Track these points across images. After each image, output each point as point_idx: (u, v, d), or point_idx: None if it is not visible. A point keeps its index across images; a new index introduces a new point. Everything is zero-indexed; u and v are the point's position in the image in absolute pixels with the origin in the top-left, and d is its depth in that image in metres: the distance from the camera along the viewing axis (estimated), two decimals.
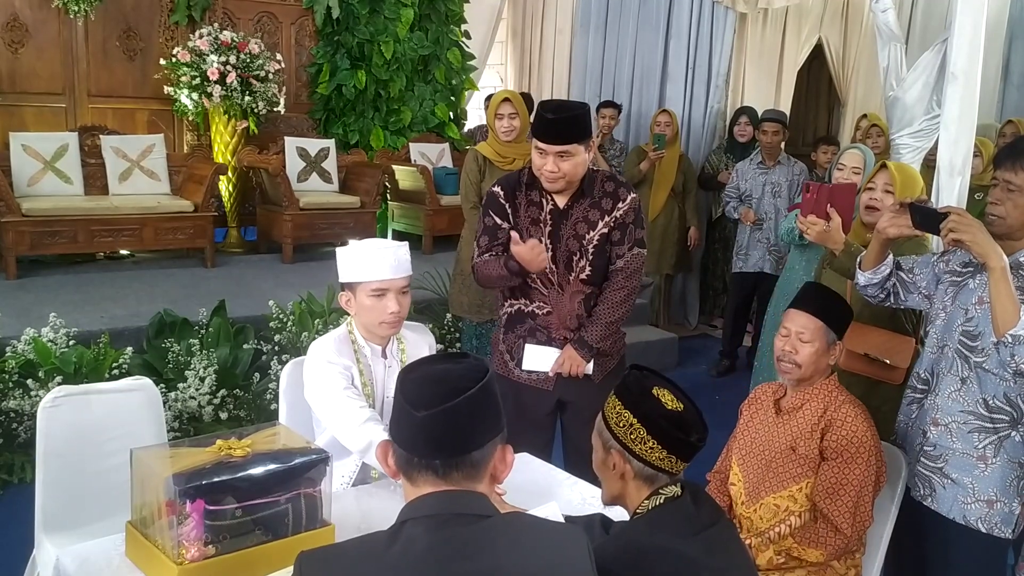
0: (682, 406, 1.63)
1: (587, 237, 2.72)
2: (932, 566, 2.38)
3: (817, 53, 7.56)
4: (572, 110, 2.64)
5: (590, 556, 1.31)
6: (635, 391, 1.64)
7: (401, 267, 2.35)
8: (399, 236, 6.83)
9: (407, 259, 2.38)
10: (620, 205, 2.73)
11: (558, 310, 2.78)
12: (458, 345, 4.87)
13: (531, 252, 2.60)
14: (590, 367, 2.78)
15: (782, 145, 5.67)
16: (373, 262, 2.32)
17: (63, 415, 2.34)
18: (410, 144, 6.91)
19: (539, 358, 2.80)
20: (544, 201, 2.74)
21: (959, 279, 2.32)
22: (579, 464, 2.63)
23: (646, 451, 1.61)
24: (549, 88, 7.34)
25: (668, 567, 1.51)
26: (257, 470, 1.74)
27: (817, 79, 8.64)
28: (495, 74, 8.23)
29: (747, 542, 2.33)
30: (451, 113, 7.28)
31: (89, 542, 1.91)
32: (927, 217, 2.26)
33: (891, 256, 2.45)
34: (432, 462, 1.27)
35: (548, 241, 2.73)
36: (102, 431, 2.37)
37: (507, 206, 2.76)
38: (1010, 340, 2.03)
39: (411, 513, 1.26)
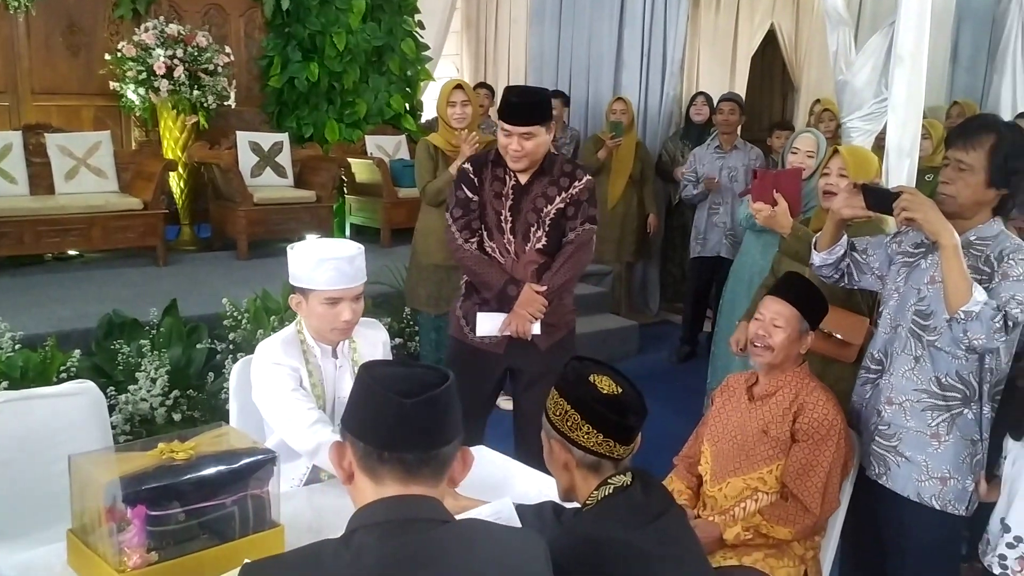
0: (620, 390, 1.63)
1: (544, 211, 2.93)
2: (888, 544, 2.40)
3: (770, 39, 7.60)
4: (535, 95, 2.92)
5: (547, 561, 1.28)
6: (571, 379, 1.65)
7: (357, 276, 2.28)
8: (357, 230, 6.75)
9: (362, 266, 2.31)
10: (576, 184, 2.94)
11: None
12: (416, 339, 4.81)
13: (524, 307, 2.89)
14: (536, 327, 2.95)
15: (738, 130, 5.68)
16: (327, 271, 2.23)
17: (2, 422, 2.26)
18: (366, 136, 6.81)
19: (490, 324, 2.99)
20: (508, 178, 2.95)
21: (911, 259, 2.33)
22: (529, 436, 2.77)
23: (582, 437, 1.61)
24: (505, 78, 7.30)
25: (620, 559, 1.49)
26: (201, 472, 1.69)
27: (771, 65, 8.69)
28: (450, 64, 8.16)
29: (711, 519, 2.34)
30: (407, 104, 7.20)
31: (30, 552, 1.84)
32: (879, 198, 2.27)
33: (845, 237, 2.47)
34: (405, 456, 1.22)
35: (508, 213, 2.94)
36: (44, 437, 2.29)
37: (475, 180, 2.97)
38: (962, 316, 2.05)
39: (362, 520, 1.21)
